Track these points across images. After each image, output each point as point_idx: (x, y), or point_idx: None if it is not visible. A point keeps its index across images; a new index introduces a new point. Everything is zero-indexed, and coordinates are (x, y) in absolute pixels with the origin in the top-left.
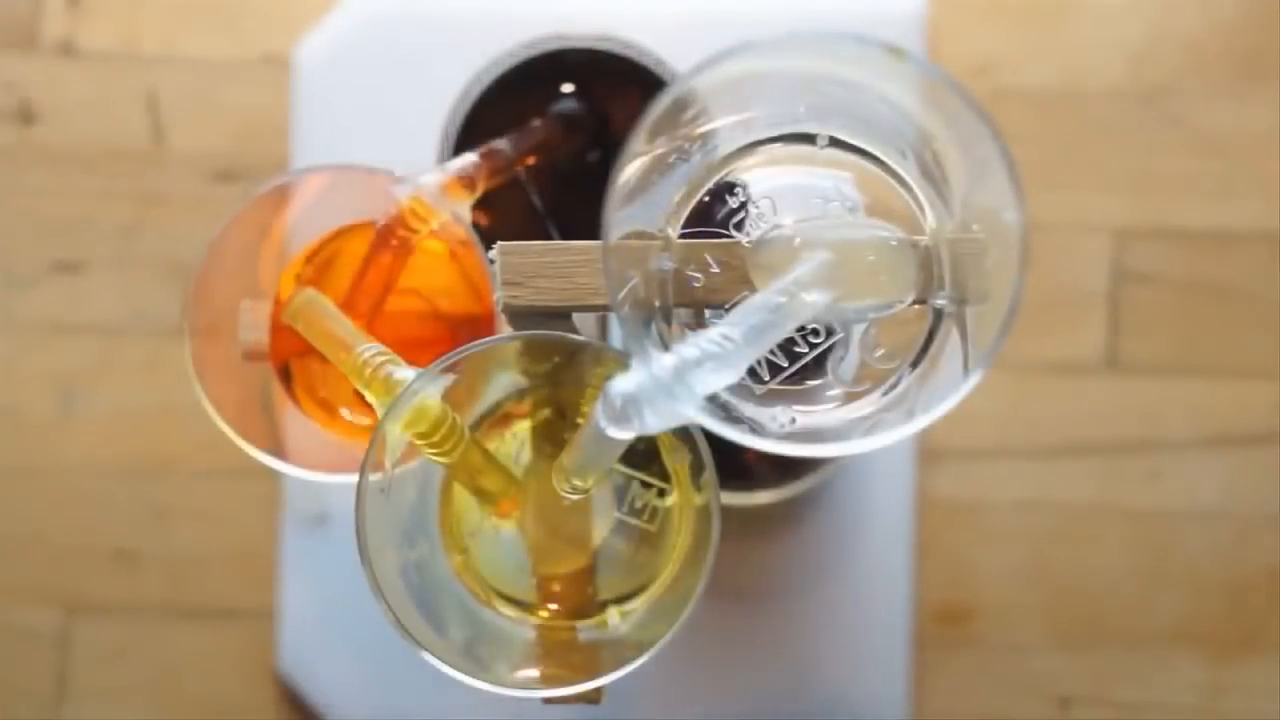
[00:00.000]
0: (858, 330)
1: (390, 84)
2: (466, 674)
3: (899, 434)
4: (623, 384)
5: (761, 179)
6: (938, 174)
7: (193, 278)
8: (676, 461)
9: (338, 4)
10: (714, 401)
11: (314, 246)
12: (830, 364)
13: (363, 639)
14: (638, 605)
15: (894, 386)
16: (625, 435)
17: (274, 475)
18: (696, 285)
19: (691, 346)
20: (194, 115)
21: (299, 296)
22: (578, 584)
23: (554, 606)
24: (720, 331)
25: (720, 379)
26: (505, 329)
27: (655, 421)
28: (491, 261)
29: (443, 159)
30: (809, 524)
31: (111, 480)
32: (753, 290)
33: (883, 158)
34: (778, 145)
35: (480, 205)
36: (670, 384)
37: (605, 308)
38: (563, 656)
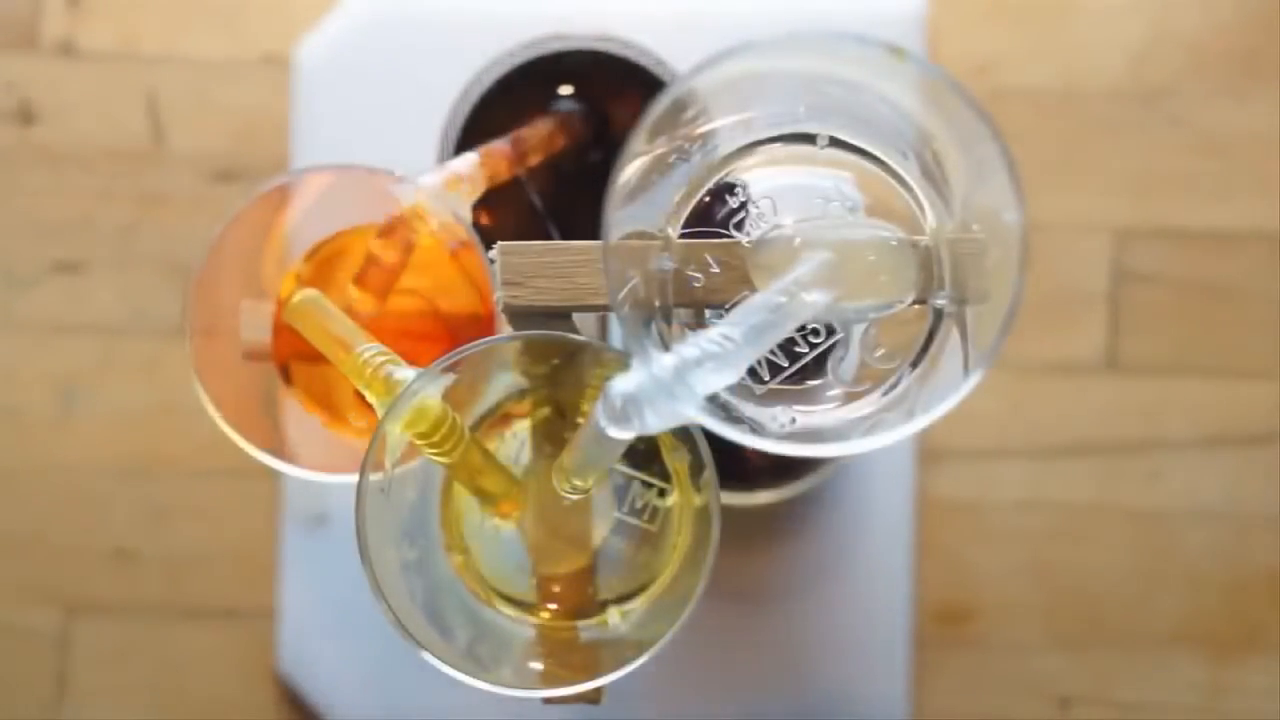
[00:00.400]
0: (858, 330)
1: (390, 84)
2: (467, 674)
3: (899, 434)
4: (623, 384)
5: (762, 179)
6: (938, 174)
7: (193, 278)
8: (677, 461)
9: (337, 4)
10: (714, 401)
11: (315, 246)
12: (830, 364)
13: (363, 639)
14: (638, 605)
15: (894, 386)
16: (625, 435)
17: (274, 475)
18: (696, 285)
19: (692, 346)
20: (194, 115)
21: (299, 296)
22: (578, 584)
23: (554, 606)
24: (720, 331)
25: (720, 379)
26: (506, 329)
27: (655, 421)
28: (492, 261)
29: (443, 159)
30: (809, 524)
31: (111, 480)
32: (753, 290)
33: (883, 158)
34: (778, 145)
35: (481, 205)
36: (670, 384)
37: (605, 308)
38: (563, 656)
